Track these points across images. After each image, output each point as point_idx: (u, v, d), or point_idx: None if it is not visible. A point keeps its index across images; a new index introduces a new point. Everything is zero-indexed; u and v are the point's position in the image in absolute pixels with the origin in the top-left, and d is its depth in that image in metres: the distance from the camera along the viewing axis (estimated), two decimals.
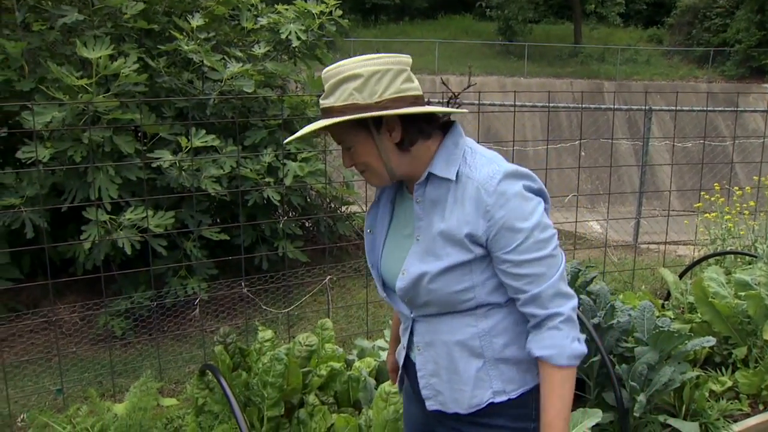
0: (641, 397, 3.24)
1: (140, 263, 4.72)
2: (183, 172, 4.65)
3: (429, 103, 1.81)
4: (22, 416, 3.83)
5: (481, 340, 1.76)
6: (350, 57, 1.73)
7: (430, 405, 1.84)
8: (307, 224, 5.99)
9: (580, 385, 3.63)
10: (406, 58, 1.72)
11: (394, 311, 2.14)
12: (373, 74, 1.65)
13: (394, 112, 1.64)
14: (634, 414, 3.25)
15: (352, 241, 5.76)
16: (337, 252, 5.96)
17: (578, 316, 3.37)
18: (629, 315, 3.61)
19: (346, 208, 6.09)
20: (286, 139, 1.86)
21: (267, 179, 4.88)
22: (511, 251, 1.67)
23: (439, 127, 1.76)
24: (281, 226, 5.07)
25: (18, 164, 4.72)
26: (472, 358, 1.77)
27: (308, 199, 5.53)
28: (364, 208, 6.26)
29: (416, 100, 1.70)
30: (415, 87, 1.71)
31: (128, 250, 4.37)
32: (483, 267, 1.73)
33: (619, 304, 3.73)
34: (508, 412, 1.77)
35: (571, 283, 3.90)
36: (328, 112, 1.68)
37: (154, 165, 4.60)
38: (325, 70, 1.70)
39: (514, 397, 1.76)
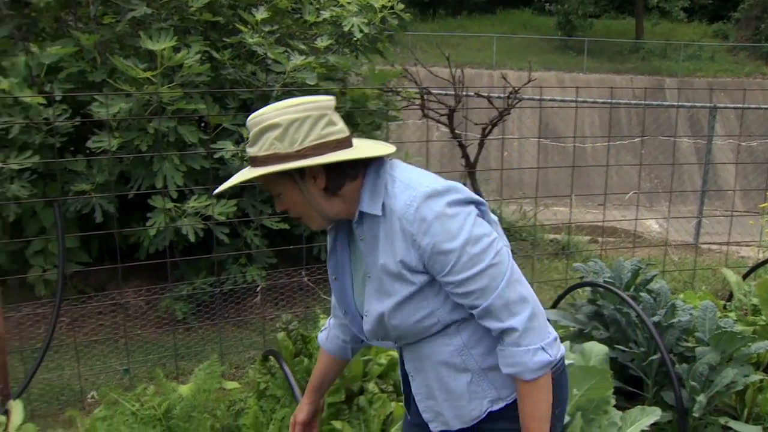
0: (701, 398, 3.19)
1: (201, 250, 4.84)
2: (244, 162, 4.75)
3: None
4: (91, 393, 3.99)
5: (461, 355, 1.77)
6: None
7: (435, 427, 1.86)
8: None
9: (637, 382, 3.61)
10: (327, 102, 1.70)
11: (319, 357, 2.17)
12: (291, 123, 1.64)
13: (312, 163, 1.64)
14: (694, 414, 3.21)
15: None
16: None
17: (639, 313, 3.35)
18: (690, 314, 3.57)
19: None
20: None
21: None
22: (448, 273, 1.66)
23: (365, 162, 1.73)
24: None
25: (87, 152, 4.89)
26: (459, 373, 1.78)
27: None
28: None
29: (339, 144, 1.68)
30: (337, 130, 1.69)
31: (192, 237, 4.49)
32: (435, 290, 1.72)
33: (680, 303, 3.69)
34: (507, 415, 1.78)
35: (631, 281, 3.87)
36: (253, 161, 1.69)
37: (217, 155, 4.71)
38: (249, 118, 1.69)
39: (510, 402, 1.78)
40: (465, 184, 5.93)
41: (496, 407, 1.79)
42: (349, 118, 5.37)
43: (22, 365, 4.06)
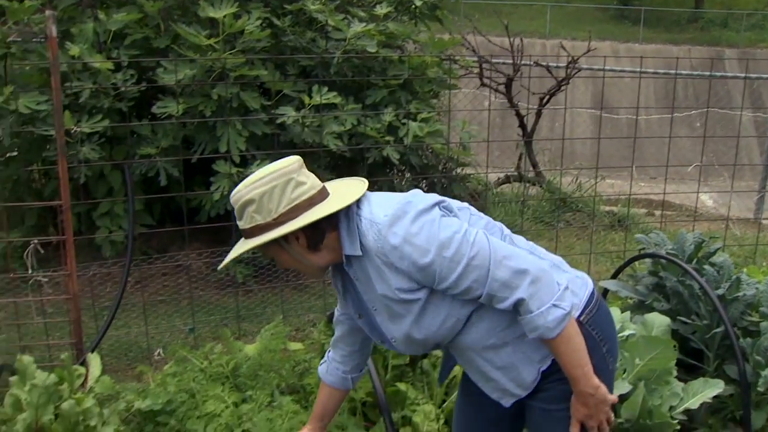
0: (767, 372, 3.16)
1: None
2: (306, 128, 4.80)
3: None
4: (158, 351, 4.13)
5: (493, 336, 1.87)
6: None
7: (506, 402, 1.96)
8: (421, 184, 6.06)
9: (698, 355, 3.58)
10: (291, 166, 1.82)
11: (321, 389, 2.30)
12: (262, 195, 1.78)
13: (288, 229, 1.77)
14: (758, 389, 3.18)
15: (466, 201, 5.75)
16: None
17: (702, 286, 3.32)
18: (756, 288, 3.53)
19: (461, 170, 6.13)
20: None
21: (387, 138, 4.98)
22: (439, 282, 1.76)
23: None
24: (404, 183, 5.15)
25: (150, 117, 4.98)
26: (501, 349, 1.88)
27: (424, 160, 5.59)
28: (479, 170, 6.28)
29: (312, 201, 1.82)
30: (307, 188, 1.82)
31: None
32: (440, 296, 1.82)
33: (745, 277, 3.64)
34: (557, 368, 1.86)
35: (694, 254, 3.83)
36: (243, 233, 1.87)
37: (278, 121, 4.77)
38: (231, 195, 1.87)
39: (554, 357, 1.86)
40: (521, 154, 5.89)
41: (545, 365, 1.88)
42: (407, 86, 5.37)
43: (93, 322, 4.22)
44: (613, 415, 1.88)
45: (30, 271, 3.81)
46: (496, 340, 1.86)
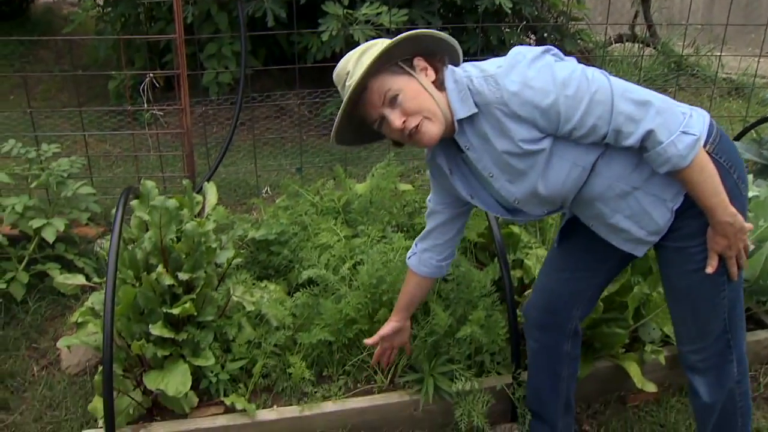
0: None
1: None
2: None
3: None
4: (265, 188, 4.23)
5: (621, 182, 1.79)
6: None
7: (640, 252, 1.92)
8: (531, 38, 5.80)
9: None
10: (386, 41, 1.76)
11: (409, 280, 2.26)
12: (373, 45, 1.75)
13: (410, 33, 1.72)
14: None
15: (576, 59, 5.50)
16: None
17: None
18: None
19: (574, 24, 5.82)
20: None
21: None
22: (564, 123, 1.68)
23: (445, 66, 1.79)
24: (518, 31, 4.91)
25: None
26: (629, 196, 1.81)
27: (537, 11, 5.31)
28: (592, 26, 5.95)
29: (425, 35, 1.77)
30: None
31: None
32: (564, 144, 1.74)
33: None
34: (690, 203, 1.79)
35: None
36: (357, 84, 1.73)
37: None
38: (334, 75, 1.80)
39: (685, 191, 1.78)
40: (636, 12, 5.54)
41: (677, 203, 1.81)
42: None
43: (201, 159, 4.33)
44: (749, 243, 1.83)
45: (146, 105, 3.90)
46: (624, 185, 1.79)
